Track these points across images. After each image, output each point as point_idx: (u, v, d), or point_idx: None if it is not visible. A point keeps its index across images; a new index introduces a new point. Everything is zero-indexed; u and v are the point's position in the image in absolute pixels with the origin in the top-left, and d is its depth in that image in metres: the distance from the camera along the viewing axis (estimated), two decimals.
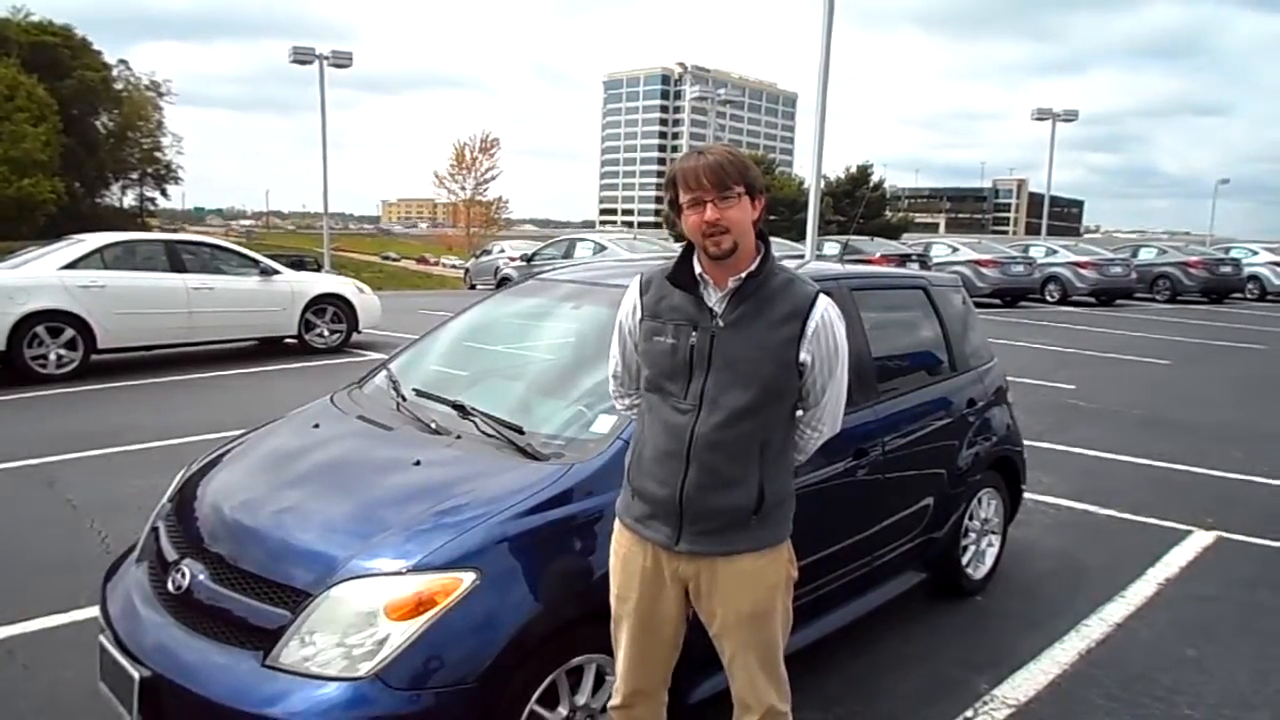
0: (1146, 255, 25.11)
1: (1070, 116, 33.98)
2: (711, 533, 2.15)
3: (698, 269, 2.17)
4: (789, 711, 2.32)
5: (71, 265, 9.41)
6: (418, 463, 2.79)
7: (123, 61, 59.52)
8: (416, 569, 2.33)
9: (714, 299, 2.15)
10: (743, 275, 2.13)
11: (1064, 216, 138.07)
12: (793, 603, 2.32)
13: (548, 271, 4.40)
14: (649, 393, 2.24)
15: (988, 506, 4.41)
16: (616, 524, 2.34)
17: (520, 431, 2.83)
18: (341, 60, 26.61)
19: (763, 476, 2.15)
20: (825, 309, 2.16)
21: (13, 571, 4.34)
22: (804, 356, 2.13)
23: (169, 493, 3.17)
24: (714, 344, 2.12)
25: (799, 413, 2.26)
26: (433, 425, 3.01)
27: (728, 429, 2.11)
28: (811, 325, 2.13)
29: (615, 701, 2.37)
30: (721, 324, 2.12)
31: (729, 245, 2.08)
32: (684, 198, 2.11)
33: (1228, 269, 24.29)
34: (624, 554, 2.30)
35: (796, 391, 2.19)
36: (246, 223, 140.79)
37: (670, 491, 2.15)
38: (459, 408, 3.01)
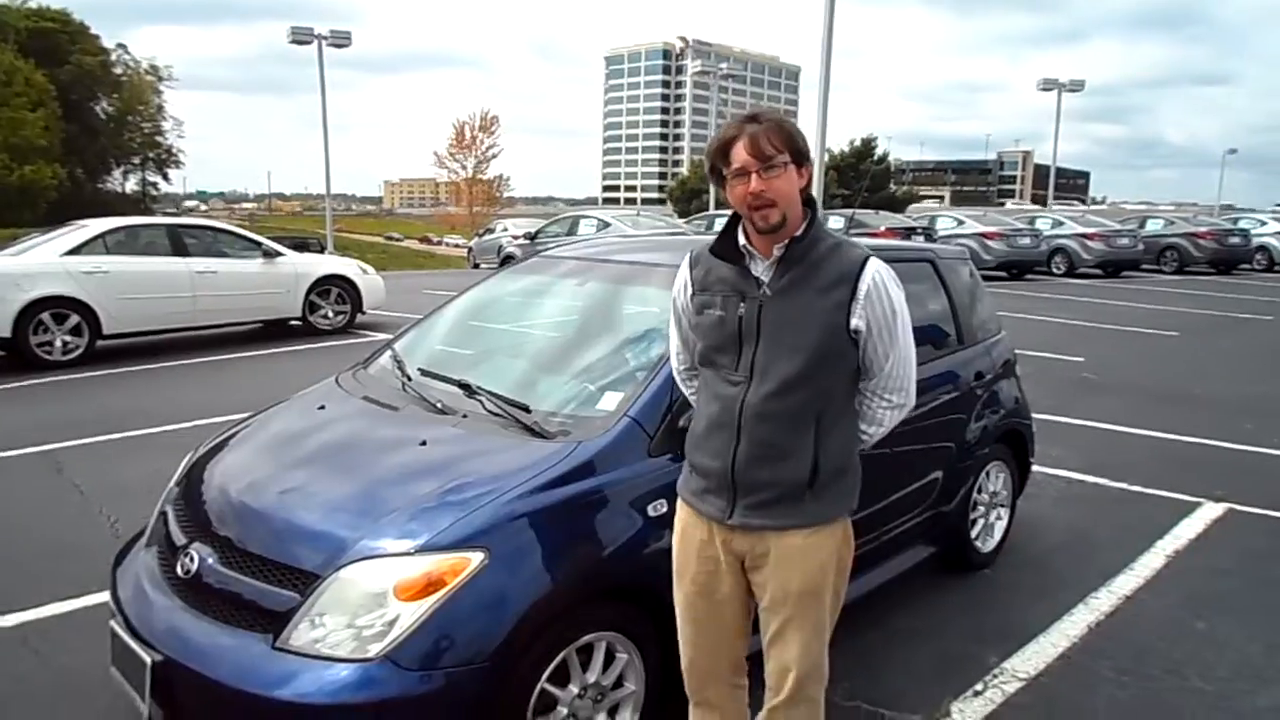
0: (1154, 226, 24.91)
1: (1076, 87, 33.75)
2: (763, 505, 2.10)
3: (742, 240, 2.12)
4: (822, 701, 2.26)
5: (75, 251, 9.39)
6: (424, 442, 2.78)
7: (121, 46, 59.41)
8: (425, 549, 2.32)
9: (761, 268, 2.10)
10: (787, 241, 2.07)
11: (1070, 188, 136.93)
12: None
13: (551, 249, 4.36)
14: (703, 366, 2.21)
15: (996, 480, 4.39)
16: (678, 500, 2.31)
17: (527, 410, 2.82)
18: (340, 40, 26.48)
19: (817, 448, 2.08)
20: (877, 271, 2.09)
21: (23, 557, 4.35)
22: (856, 322, 2.06)
23: (176, 477, 3.17)
24: (762, 313, 2.07)
25: (862, 382, 2.19)
26: (438, 405, 2.99)
27: (779, 399, 2.06)
28: (863, 288, 2.06)
29: (687, 686, 2.34)
30: (769, 292, 2.07)
31: (777, 219, 2.02)
32: (727, 168, 2.05)
33: (1236, 240, 24.07)
34: (683, 529, 2.28)
35: (853, 359, 2.13)
36: (249, 205, 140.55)
37: (723, 464, 2.11)
38: (464, 387, 3.00)
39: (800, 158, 2.05)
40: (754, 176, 2.00)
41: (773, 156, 1.99)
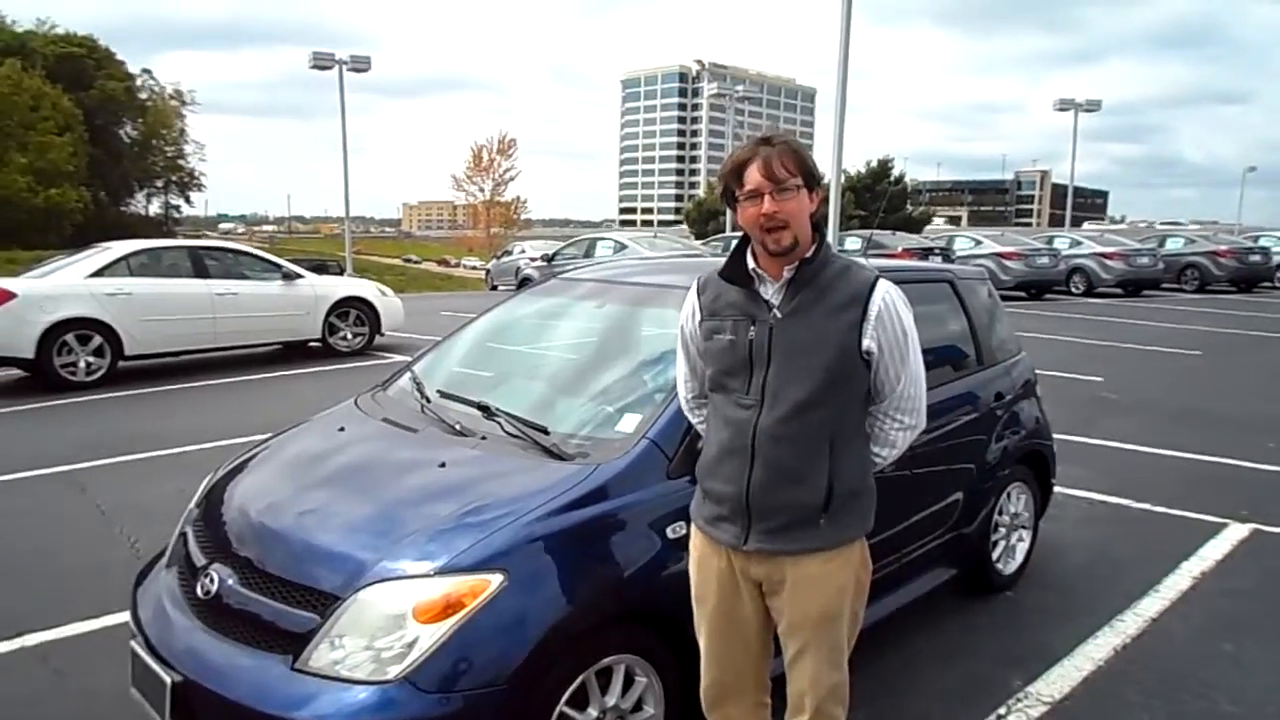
0: (1174, 245, 24.75)
1: (1093, 107, 33.71)
2: (779, 530, 2.10)
3: (751, 264, 2.12)
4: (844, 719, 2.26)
5: (98, 273, 9.50)
6: (443, 464, 2.78)
7: (146, 71, 60.33)
8: (444, 571, 2.32)
9: (770, 291, 2.11)
10: (797, 263, 2.07)
11: (1088, 207, 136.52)
12: None
13: (569, 271, 4.38)
14: (713, 392, 2.21)
15: (1017, 501, 4.35)
16: (691, 526, 2.31)
17: (545, 431, 2.82)
18: (360, 65, 26.80)
19: (831, 472, 2.08)
20: (887, 292, 2.10)
21: (45, 577, 4.38)
22: (868, 344, 2.07)
23: (196, 498, 3.18)
24: (773, 336, 2.07)
25: (873, 404, 2.19)
26: (457, 426, 3.00)
27: (791, 422, 2.06)
28: (874, 309, 2.07)
29: (704, 703, 2.34)
30: (779, 315, 2.08)
31: (789, 241, 2.03)
32: (740, 190, 2.06)
33: (1257, 258, 23.89)
34: (699, 556, 2.27)
35: (864, 381, 2.13)
36: (269, 228, 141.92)
37: (737, 489, 2.11)
38: (483, 408, 3.01)
39: (812, 181, 2.06)
40: (767, 198, 2.01)
41: (785, 179, 2.01)
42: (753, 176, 2.02)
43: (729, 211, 2.21)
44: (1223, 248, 24.12)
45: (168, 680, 2.42)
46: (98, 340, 9.31)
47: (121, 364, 9.57)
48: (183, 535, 2.99)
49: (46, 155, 42.18)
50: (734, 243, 2.23)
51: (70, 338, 9.14)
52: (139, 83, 56.47)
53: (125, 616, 2.94)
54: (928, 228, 39.28)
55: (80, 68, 49.98)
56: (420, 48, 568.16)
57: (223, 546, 2.74)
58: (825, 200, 2.19)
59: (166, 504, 4.97)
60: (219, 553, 2.72)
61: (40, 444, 6.95)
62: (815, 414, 2.06)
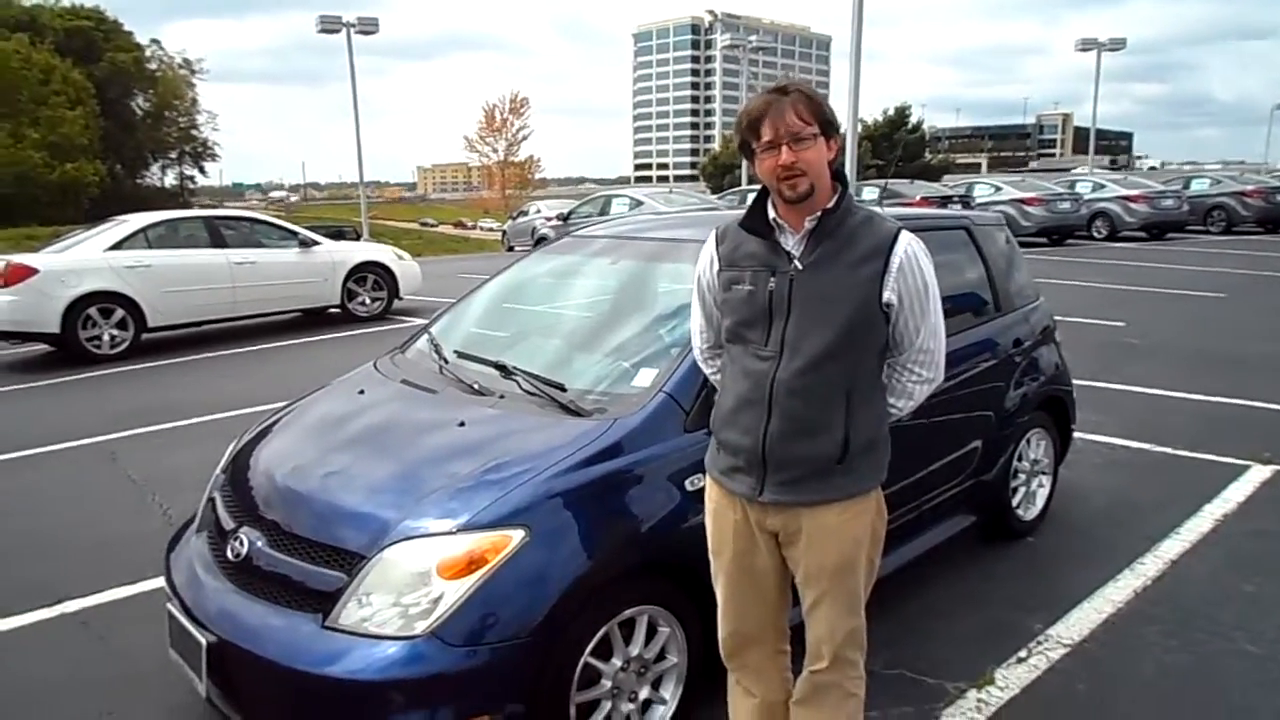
0: (1199, 186, 24.28)
1: (1117, 45, 32.92)
2: (795, 482, 2.10)
3: (772, 214, 2.10)
4: (861, 663, 2.28)
5: (117, 246, 9.58)
6: (462, 424, 2.81)
7: (155, 41, 60.51)
8: (466, 528, 2.36)
9: (791, 243, 2.09)
10: (819, 214, 2.05)
11: (1112, 150, 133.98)
12: None
13: (583, 229, 4.37)
14: (730, 343, 2.19)
15: (1037, 447, 4.35)
16: (707, 478, 2.32)
17: (562, 389, 2.84)
18: (368, 27, 26.58)
19: (848, 424, 2.07)
20: (909, 244, 2.08)
21: (82, 546, 4.49)
22: (888, 296, 2.05)
23: (222, 463, 3.24)
24: (793, 287, 2.05)
25: (891, 356, 2.18)
26: (475, 386, 3.03)
27: (810, 374, 2.05)
28: (896, 261, 2.05)
29: (723, 652, 2.37)
30: (800, 267, 2.06)
31: (805, 188, 2.01)
32: (757, 142, 2.03)
33: None
34: (714, 508, 2.28)
35: (883, 333, 2.11)
36: (281, 193, 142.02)
37: (753, 440, 2.10)
38: (500, 367, 3.04)
39: (829, 129, 2.03)
40: (784, 149, 1.98)
41: (801, 129, 1.98)
42: (769, 128, 1.99)
43: (745, 164, 2.18)
44: (1249, 188, 23.63)
45: (203, 641, 2.49)
46: (120, 313, 9.41)
47: (145, 336, 9.68)
48: (211, 500, 3.05)
49: (59, 130, 42.32)
50: (752, 196, 2.21)
51: (93, 311, 9.24)
52: (148, 53, 56.49)
53: (160, 581, 3.02)
54: (950, 178, 38.66)
55: (89, 40, 49.97)
56: (430, 7, 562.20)
57: (250, 510, 2.80)
58: (843, 149, 2.15)
59: (195, 471, 5.05)
60: (247, 516, 2.78)
61: (70, 417, 7.07)
62: (834, 366, 2.05)
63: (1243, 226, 22.93)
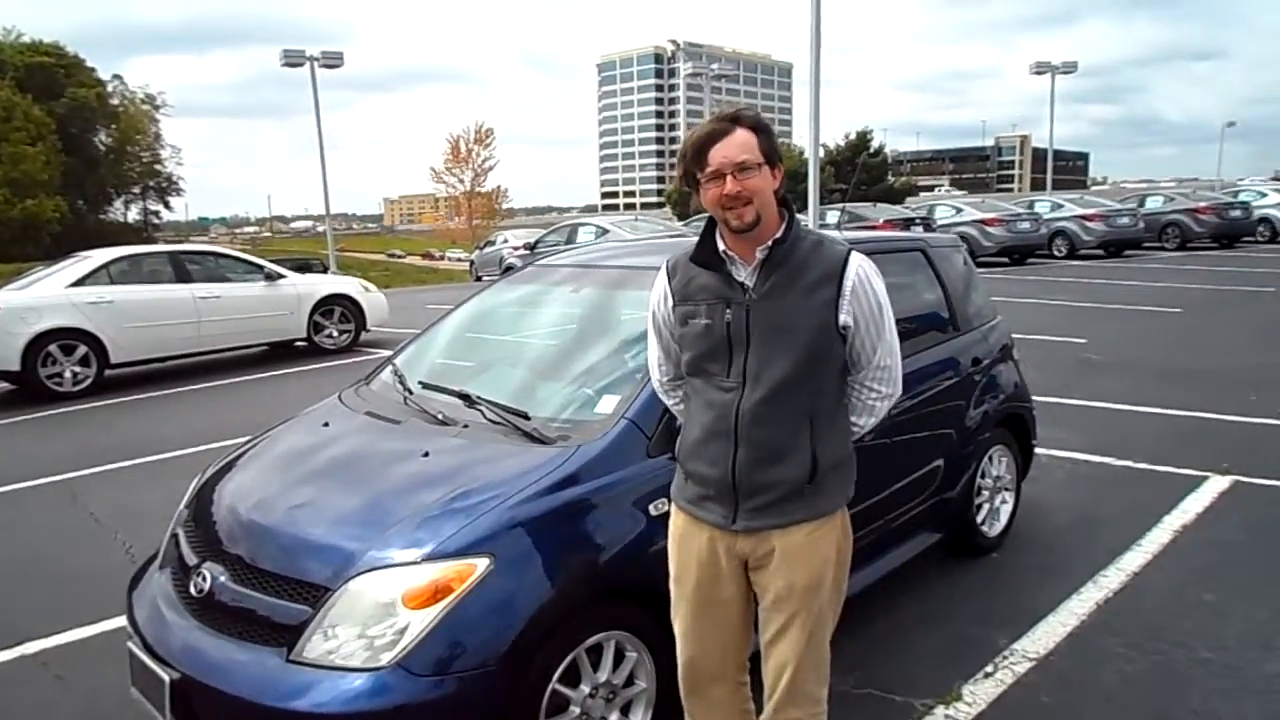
0: (1154, 204, 24.83)
1: (1069, 69, 33.68)
2: (767, 507, 2.10)
3: (722, 246, 2.11)
4: (824, 699, 2.23)
5: (79, 283, 9.48)
6: (426, 454, 2.82)
7: (117, 77, 59.60)
8: (431, 557, 2.36)
9: (744, 274, 2.09)
10: (769, 244, 2.07)
11: (1069, 170, 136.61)
12: None
13: (547, 258, 4.40)
14: (691, 376, 2.20)
15: (999, 464, 4.42)
16: (672, 506, 2.31)
17: (526, 417, 2.86)
18: (332, 60, 26.56)
19: (815, 445, 2.09)
20: (859, 266, 2.10)
21: (43, 585, 4.41)
22: (844, 318, 2.07)
23: (185, 499, 3.21)
24: (750, 318, 2.06)
25: (851, 375, 2.20)
26: (440, 416, 3.04)
27: (774, 402, 2.06)
28: (848, 284, 2.07)
29: (681, 687, 2.33)
30: (755, 297, 2.07)
31: (751, 218, 2.01)
32: (701, 172, 2.04)
33: (1237, 213, 23.90)
34: (679, 535, 2.27)
35: (842, 355, 2.13)
36: (251, 230, 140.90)
37: (722, 471, 2.11)
38: (464, 397, 3.04)
39: (772, 158, 2.05)
40: (729, 179, 2.00)
41: (746, 159, 2.00)
42: (714, 157, 2.01)
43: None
44: (1202, 204, 24.16)
45: (166, 678, 2.46)
46: (83, 350, 9.30)
47: (108, 372, 9.56)
48: (174, 536, 3.02)
49: (20, 166, 41.82)
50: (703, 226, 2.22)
51: (54, 348, 9.12)
52: (110, 89, 55.97)
53: (123, 620, 2.98)
54: (916, 199, 39.20)
55: (50, 76, 49.47)
56: (393, 40, 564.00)
57: (214, 545, 2.78)
58: (789, 176, 2.17)
59: (158, 508, 4.99)
60: (210, 551, 2.76)
61: (30, 456, 6.95)
62: (796, 391, 2.07)
63: (1197, 242, 23.45)
